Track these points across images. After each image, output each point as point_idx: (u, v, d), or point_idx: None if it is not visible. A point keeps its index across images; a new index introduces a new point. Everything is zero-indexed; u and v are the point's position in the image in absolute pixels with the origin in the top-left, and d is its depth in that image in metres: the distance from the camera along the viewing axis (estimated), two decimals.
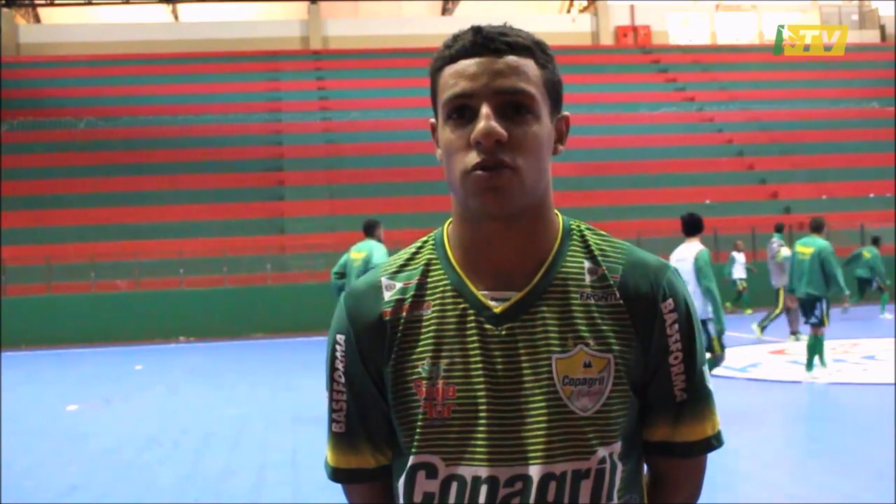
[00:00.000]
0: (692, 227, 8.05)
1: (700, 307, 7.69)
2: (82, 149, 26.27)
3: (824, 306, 10.02)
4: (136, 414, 10.05)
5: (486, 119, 1.26)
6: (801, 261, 10.23)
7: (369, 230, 8.77)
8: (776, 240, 14.21)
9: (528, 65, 1.31)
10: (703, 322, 7.68)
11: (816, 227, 10.44)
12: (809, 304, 10.18)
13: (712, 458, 1.45)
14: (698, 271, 7.77)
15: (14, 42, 32.98)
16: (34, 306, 18.89)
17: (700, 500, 1.47)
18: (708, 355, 7.98)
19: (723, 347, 8.05)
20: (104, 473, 7.15)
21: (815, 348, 10.07)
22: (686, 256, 7.91)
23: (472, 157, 1.27)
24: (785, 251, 13.50)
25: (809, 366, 10.01)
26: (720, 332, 7.89)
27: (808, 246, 10.25)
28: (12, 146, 25.56)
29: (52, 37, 33.43)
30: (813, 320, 10.11)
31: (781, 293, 13.86)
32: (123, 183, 24.24)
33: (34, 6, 35.31)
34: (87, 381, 13.23)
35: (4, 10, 32.72)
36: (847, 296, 13.25)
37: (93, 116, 28.16)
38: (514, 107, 1.29)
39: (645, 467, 1.44)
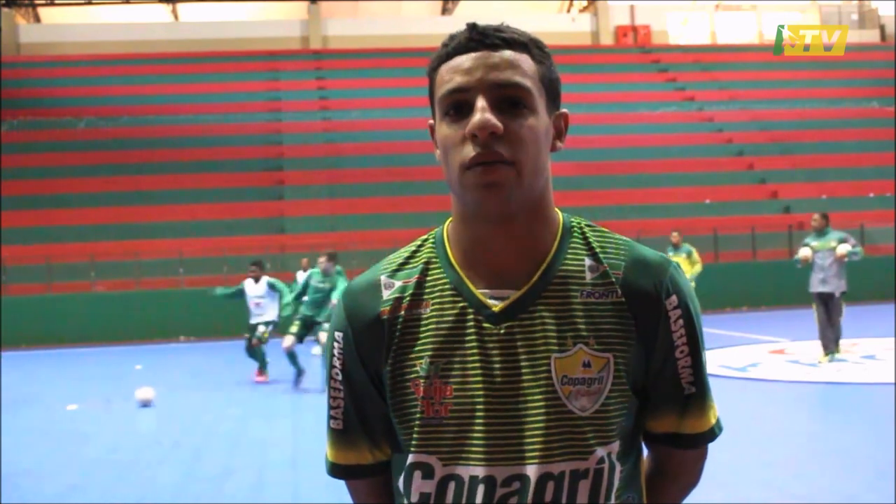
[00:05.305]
0: None
1: None
2: (82, 149, 26.26)
3: None
4: (136, 414, 10.05)
5: (481, 112, 1.26)
6: None
7: None
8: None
9: (524, 59, 1.31)
10: None
11: None
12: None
13: (712, 456, 1.48)
14: None
15: (14, 42, 32.97)
16: (34, 306, 18.88)
17: (700, 500, 1.48)
18: None
19: None
20: (104, 473, 7.14)
21: None
22: None
23: (469, 151, 1.27)
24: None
25: None
26: None
27: None
28: (12, 146, 25.56)
29: (52, 37, 33.41)
30: None
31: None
32: (123, 183, 24.24)
33: (34, 6, 35.29)
34: (87, 381, 13.23)
35: (4, 10, 32.70)
36: None
37: (93, 116, 28.15)
38: (510, 101, 1.28)
39: (644, 464, 1.44)
